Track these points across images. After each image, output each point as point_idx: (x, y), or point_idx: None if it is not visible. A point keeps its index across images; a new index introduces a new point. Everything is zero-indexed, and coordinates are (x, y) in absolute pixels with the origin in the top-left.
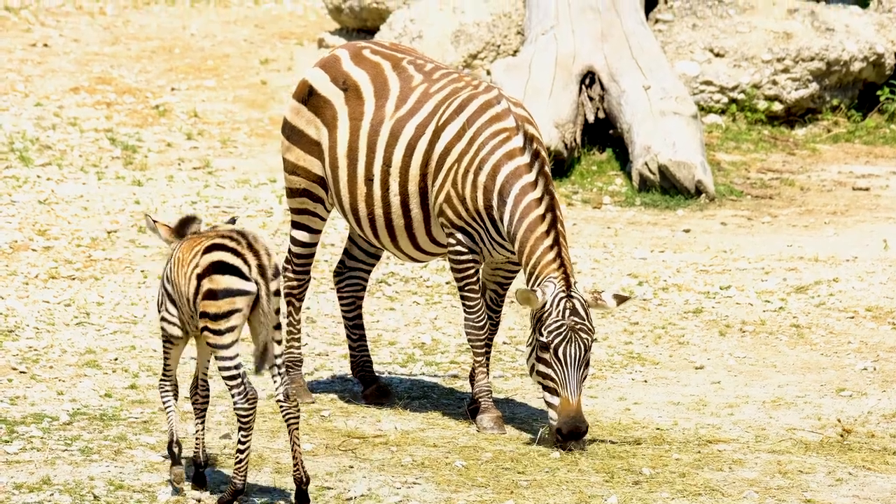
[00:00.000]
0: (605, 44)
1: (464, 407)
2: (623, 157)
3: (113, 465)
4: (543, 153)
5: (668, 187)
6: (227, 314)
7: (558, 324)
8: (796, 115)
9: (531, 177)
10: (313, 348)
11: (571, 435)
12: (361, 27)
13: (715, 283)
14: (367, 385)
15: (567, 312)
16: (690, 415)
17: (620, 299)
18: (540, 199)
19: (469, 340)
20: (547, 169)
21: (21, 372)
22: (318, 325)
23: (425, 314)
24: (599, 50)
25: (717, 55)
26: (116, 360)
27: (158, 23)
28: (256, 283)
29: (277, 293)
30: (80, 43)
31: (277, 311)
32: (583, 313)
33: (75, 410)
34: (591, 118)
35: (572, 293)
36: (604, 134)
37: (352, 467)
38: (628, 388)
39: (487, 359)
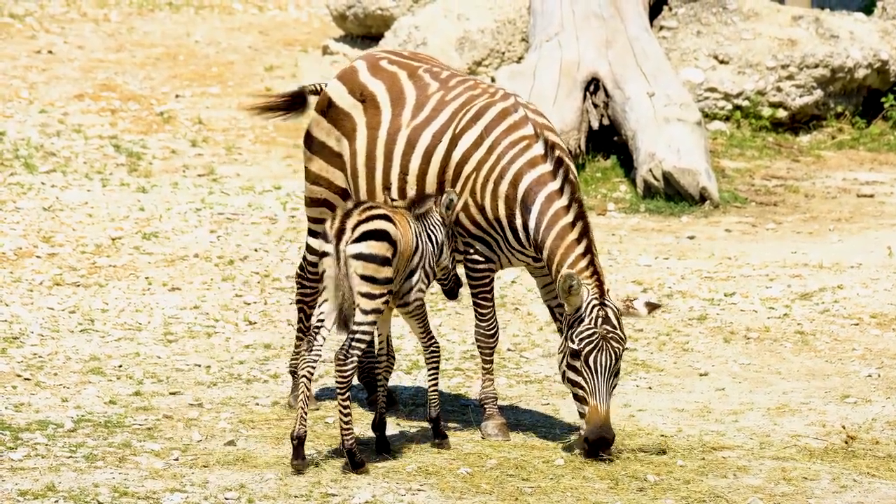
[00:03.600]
0: (610, 51)
1: (468, 413)
2: (627, 164)
3: (117, 472)
4: (567, 160)
5: (672, 194)
6: (321, 277)
7: (590, 332)
8: (801, 121)
9: (556, 184)
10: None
11: (598, 444)
12: (366, 34)
13: (719, 290)
14: (371, 391)
15: (599, 321)
16: (695, 421)
17: (652, 307)
18: (568, 207)
19: (479, 348)
20: (573, 176)
21: (25, 379)
22: None
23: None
24: (604, 57)
25: (722, 62)
26: (121, 366)
27: (163, 30)
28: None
29: (358, 257)
30: (85, 50)
31: (366, 278)
32: (615, 322)
33: (80, 417)
34: (595, 125)
35: (605, 301)
36: (608, 141)
37: (356, 474)
38: (633, 395)
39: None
